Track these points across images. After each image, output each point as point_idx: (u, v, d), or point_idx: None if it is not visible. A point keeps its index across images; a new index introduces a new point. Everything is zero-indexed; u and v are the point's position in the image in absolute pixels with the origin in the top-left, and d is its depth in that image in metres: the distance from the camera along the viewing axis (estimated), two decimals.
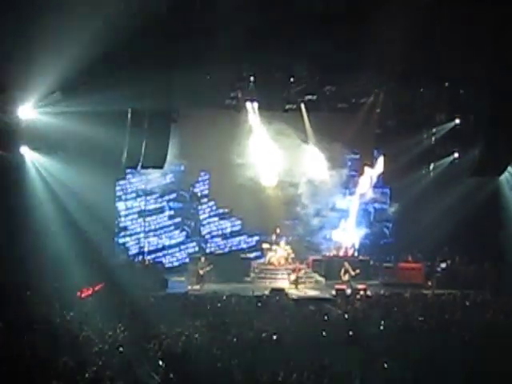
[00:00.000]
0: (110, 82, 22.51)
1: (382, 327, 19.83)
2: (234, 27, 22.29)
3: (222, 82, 27.83)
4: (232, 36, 22.43)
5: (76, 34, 21.15)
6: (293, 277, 28.53)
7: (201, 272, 28.57)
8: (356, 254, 32.04)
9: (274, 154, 32.24)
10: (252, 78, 27.77)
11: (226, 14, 22.35)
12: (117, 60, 22.49)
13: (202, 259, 29.27)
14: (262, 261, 32.20)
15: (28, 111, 24.52)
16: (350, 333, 18.62)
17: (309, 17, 23.01)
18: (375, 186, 33.52)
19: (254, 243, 33.42)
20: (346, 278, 28.37)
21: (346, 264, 28.86)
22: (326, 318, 21.59)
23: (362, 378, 14.00)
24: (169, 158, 25.86)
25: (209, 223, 33.37)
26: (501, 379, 13.56)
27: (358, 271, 28.56)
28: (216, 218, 33.47)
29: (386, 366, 14.63)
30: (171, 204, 32.87)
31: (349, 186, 33.63)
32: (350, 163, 33.85)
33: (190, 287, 27.85)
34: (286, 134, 31.56)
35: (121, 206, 31.77)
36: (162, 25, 22.34)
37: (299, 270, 29.17)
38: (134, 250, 31.63)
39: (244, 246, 33.46)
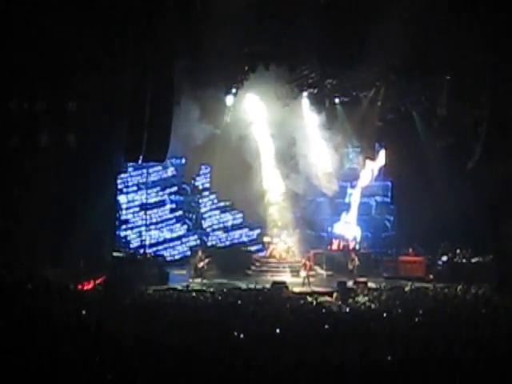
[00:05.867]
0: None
1: (383, 320, 19.86)
2: (235, 21, 22.29)
3: (222, 75, 27.82)
4: (233, 30, 22.44)
5: None
6: (303, 274, 28.39)
7: (199, 265, 28.60)
8: (357, 247, 32.04)
9: (276, 147, 32.29)
10: (253, 72, 27.75)
11: (227, 7, 22.34)
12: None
13: (200, 252, 29.29)
14: (263, 254, 32.25)
15: None
16: (351, 326, 18.65)
17: (310, 10, 23.02)
18: (376, 179, 33.50)
19: (255, 236, 33.44)
20: (351, 267, 28.58)
21: (352, 254, 29.13)
22: (327, 311, 21.64)
23: (363, 370, 14.02)
24: (170, 151, 25.85)
25: (210, 216, 33.39)
26: (500, 374, 13.57)
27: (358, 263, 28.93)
28: (217, 211, 33.48)
29: (388, 358, 14.65)
30: (172, 197, 32.89)
31: (350, 179, 33.62)
32: (351, 156, 33.83)
33: (191, 280, 27.86)
34: (288, 126, 31.58)
35: (122, 199, 31.76)
36: (165, 15, 22.34)
37: (310, 267, 29.00)
38: (135, 244, 31.63)
39: (245, 239, 33.48)
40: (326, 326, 18.39)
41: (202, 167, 33.11)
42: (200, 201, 33.26)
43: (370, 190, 33.55)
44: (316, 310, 21.80)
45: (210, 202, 33.43)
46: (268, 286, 26.22)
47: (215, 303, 22.45)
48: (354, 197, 33.19)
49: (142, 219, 32.03)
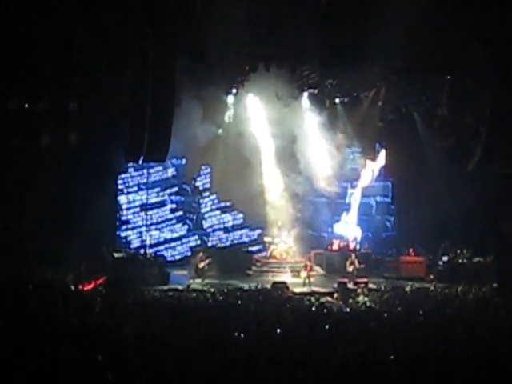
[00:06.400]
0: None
1: (383, 320, 19.85)
2: (235, 20, 22.30)
3: (223, 75, 27.82)
4: (234, 30, 22.44)
5: None
6: (303, 274, 28.34)
7: (200, 266, 28.62)
8: (358, 247, 32.02)
9: (276, 147, 32.29)
10: (253, 72, 27.76)
11: (228, 8, 22.35)
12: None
13: (200, 253, 29.31)
14: (264, 254, 32.25)
15: None
16: (352, 326, 18.65)
17: (310, 10, 23.02)
18: (377, 179, 33.50)
19: (255, 237, 33.42)
20: (351, 269, 28.43)
21: (353, 256, 28.96)
22: (327, 311, 21.64)
23: (364, 371, 14.02)
24: (170, 151, 25.83)
25: (210, 217, 33.38)
26: (501, 374, 13.57)
27: (362, 265, 28.56)
28: (218, 212, 33.47)
29: (389, 359, 14.65)
30: (173, 197, 32.87)
31: (351, 179, 33.62)
32: (351, 156, 33.83)
33: (191, 281, 27.86)
34: (288, 126, 31.58)
35: (122, 199, 31.75)
36: (166, 15, 22.34)
37: (311, 268, 28.96)
38: (135, 244, 31.62)
39: (246, 239, 33.47)
40: (327, 327, 18.40)
41: (203, 167, 33.09)
42: (200, 201, 33.25)
43: (370, 191, 33.56)
44: (316, 310, 21.79)
45: (210, 202, 33.42)
46: (268, 286, 26.23)
47: (216, 303, 22.45)
48: (355, 197, 33.20)
49: (143, 219, 32.02)
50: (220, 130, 31.49)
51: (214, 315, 19.89)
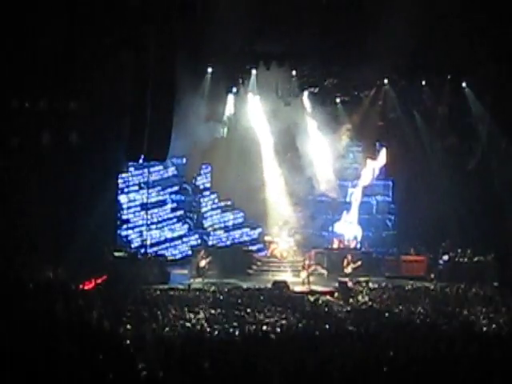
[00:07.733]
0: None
1: (384, 319, 19.86)
2: (236, 20, 22.32)
3: (223, 74, 27.84)
4: (234, 29, 22.46)
5: None
6: (303, 274, 28.26)
7: (201, 264, 28.59)
8: (358, 246, 31.99)
9: (277, 146, 32.27)
10: (254, 71, 27.78)
11: (229, 7, 22.37)
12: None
13: (202, 252, 29.28)
14: (264, 253, 32.20)
15: None
16: (353, 325, 18.65)
17: (311, 9, 23.05)
18: (377, 179, 33.48)
19: (256, 236, 33.36)
20: (349, 269, 28.30)
21: (349, 256, 28.82)
22: (328, 310, 21.64)
23: (364, 371, 14.00)
24: (171, 150, 25.84)
25: (211, 216, 33.34)
26: (502, 374, 13.56)
27: (359, 263, 28.35)
28: (218, 211, 33.44)
29: (389, 358, 14.63)
30: (173, 197, 32.83)
31: (351, 178, 33.59)
32: (352, 155, 33.80)
33: (192, 280, 27.84)
34: (289, 125, 31.56)
35: (123, 198, 31.71)
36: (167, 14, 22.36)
37: (309, 266, 28.89)
38: (136, 243, 31.59)
39: (246, 238, 33.41)
40: (327, 326, 18.41)
41: (203, 166, 33.06)
42: (201, 200, 33.23)
43: (371, 190, 33.51)
44: (317, 309, 21.80)
45: (210, 202, 33.38)
46: (269, 285, 26.21)
47: (216, 303, 22.44)
48: (355, 196, 33.15)
49: (143, 219, 31.95)
50: (225, 129, 31.46)
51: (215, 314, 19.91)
